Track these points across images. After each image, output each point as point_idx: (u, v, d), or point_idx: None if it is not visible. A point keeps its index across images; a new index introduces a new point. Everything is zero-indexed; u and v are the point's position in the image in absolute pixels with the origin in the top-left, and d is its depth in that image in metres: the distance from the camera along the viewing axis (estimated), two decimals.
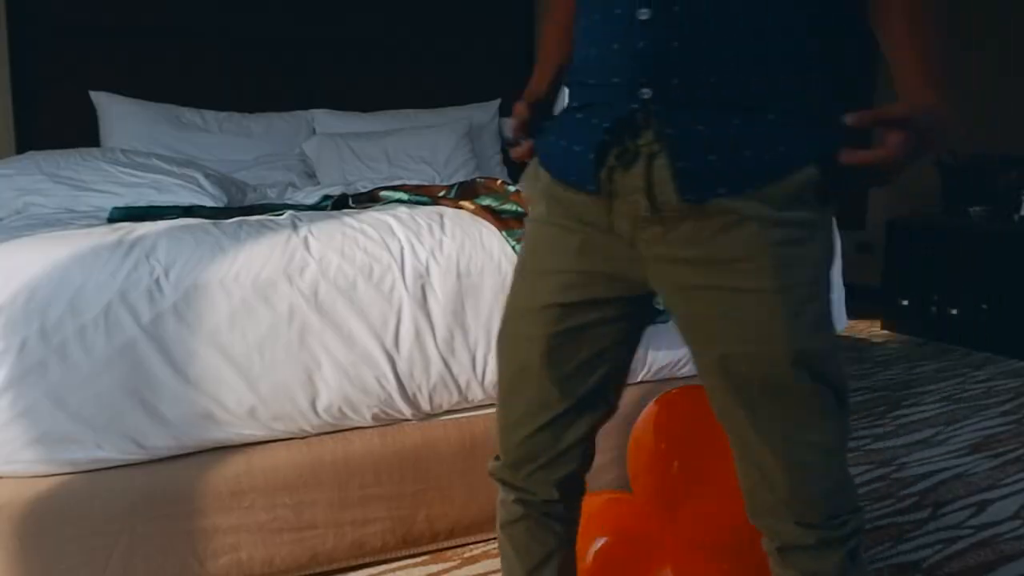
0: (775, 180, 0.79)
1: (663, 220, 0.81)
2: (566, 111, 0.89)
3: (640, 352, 1.79)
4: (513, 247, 1.61)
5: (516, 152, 1.01)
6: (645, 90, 0.79)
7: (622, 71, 0.80)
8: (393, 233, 1.57)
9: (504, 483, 1.03)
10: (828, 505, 0.88)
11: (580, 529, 1.37)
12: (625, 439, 1.71)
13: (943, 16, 0.82)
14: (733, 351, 0.82)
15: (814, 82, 0.83)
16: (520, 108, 0.99)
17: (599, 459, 1.77)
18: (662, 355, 1.82)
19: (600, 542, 1.34)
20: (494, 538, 1.70)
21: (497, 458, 1.04)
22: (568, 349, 0.91)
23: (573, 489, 1.03)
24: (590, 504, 1.43)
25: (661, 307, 1.73)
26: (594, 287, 0.89)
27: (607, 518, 1.40)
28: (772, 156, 0.79)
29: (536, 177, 0.94)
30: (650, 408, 1.39)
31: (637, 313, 0.93)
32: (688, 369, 1.90)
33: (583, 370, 0.93)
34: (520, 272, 0.95)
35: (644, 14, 0.78)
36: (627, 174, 0.81)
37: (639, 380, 1.84)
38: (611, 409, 1.00)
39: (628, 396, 1.80)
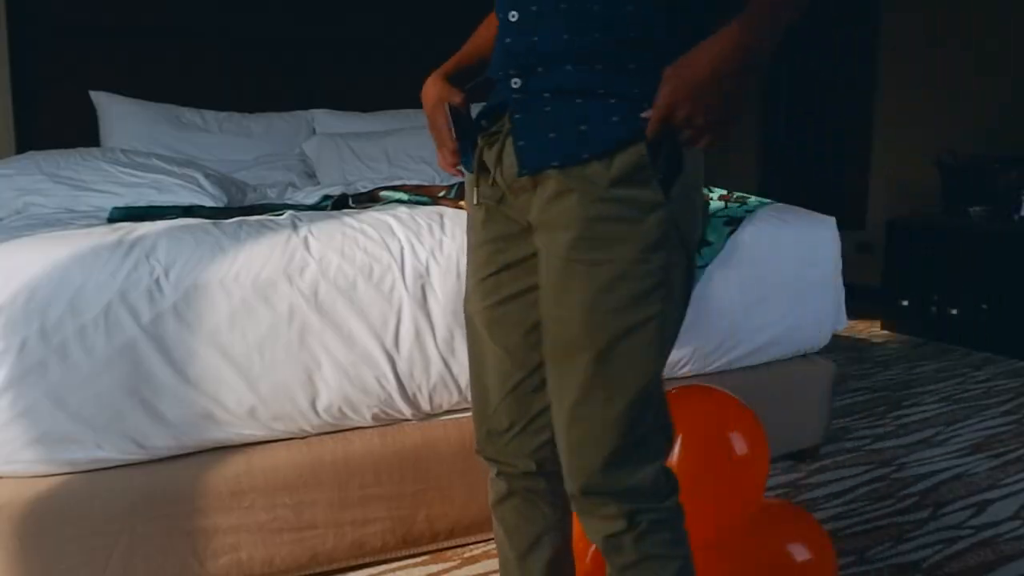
0: (603, 156, 0.84)
1: (516, 191, 0.92)
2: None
3: None
4: None
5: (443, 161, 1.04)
6: (516, 80, 0.89)
7: (502, 65, 0.91)
8: (393, 233, 1.57)
9: (487, 458, 1.06)
10: (605, 477, 0.90)
11: (580, 529, 1.37)
12: None
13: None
14: (547, 313, 0.90)
15: (660, 69, 0.84)
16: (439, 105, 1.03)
17: None
18: None
19: None
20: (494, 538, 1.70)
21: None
22: (511, 318, 0.97)
23: (551, 461, 1.02)
24: None
25: None
26: (505, 252, 0.97)
27: None
28: (602, 132, 0.84)
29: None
30: None
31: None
32: (688, 369, 1.90)
33: (529, 337, 0.97)
34: (467, 253, 1.04)
35: (513, 16, 0.88)
36: (489, 152, 0.94)
37: None
38: None
39: None
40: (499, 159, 0.92)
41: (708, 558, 1.30)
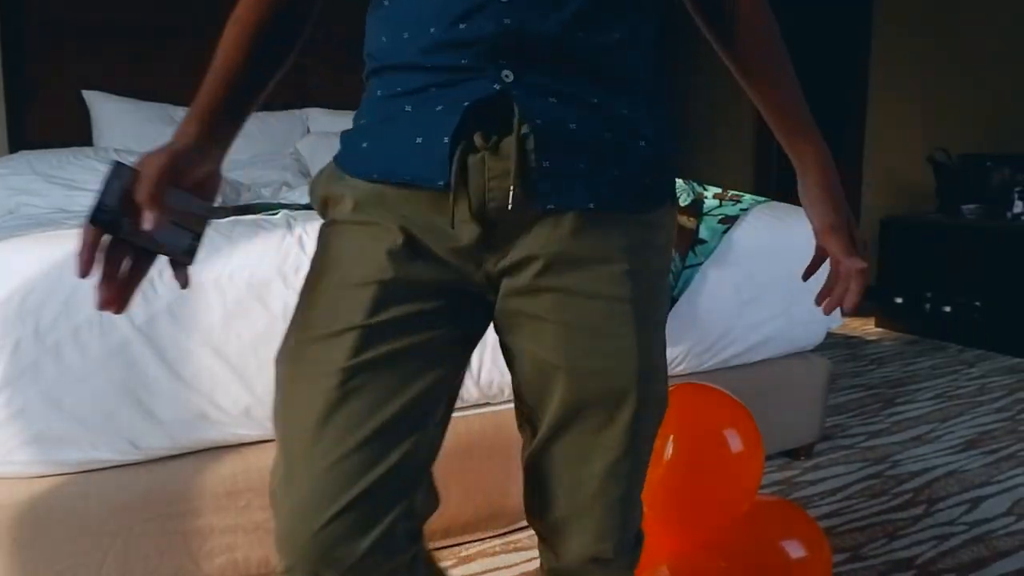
0: (645, 211, 0.77)
1: (515, 222, 0.72)
2: (378, 101, 0.75)
3: None
4: None
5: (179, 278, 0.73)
6: (506, 72, 0.69)
7: (473, 52, 0.68)
8: None
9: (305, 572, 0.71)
10: (631, 533, 0.85)
11: None
12: None
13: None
14: (578, 365, 0.75)
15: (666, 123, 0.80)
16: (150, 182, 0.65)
17: None
18: None
19: None
20: (490, 537, 1.70)
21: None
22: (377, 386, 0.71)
23: (415, 537, 0.79)
24: None
25: None
26: (414, 300, 0.72)
27: None
28: (640, 187, 0.75)
29: (339, 180, 0.77)
30: None
31: (464, 337, 0.78)
32: (683, 368, 1.90)
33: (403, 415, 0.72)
34: (312, 286, 0.75)
35: None
36: (483, 167, 0.69)
37: None
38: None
39: None
40: (500, 178, 0.70)
41: (702, 556, 1.30)
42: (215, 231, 1.48)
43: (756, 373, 2.02)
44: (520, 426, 0.85)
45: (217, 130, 0.74)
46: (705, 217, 1.95)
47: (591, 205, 0.72)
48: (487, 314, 0.79)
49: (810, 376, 2.13)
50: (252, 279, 1.41)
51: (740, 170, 5.49)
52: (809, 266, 0.97)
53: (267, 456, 1.47)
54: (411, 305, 0.72)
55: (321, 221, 0.80)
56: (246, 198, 2.49)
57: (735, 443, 1.31)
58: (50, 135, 2.95)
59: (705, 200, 2.08)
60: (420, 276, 0.72)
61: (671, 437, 1.31)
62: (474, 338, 0.80)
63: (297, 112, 3.36)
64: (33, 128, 3.06)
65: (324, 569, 0.69)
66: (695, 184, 2.21)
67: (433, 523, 1.60)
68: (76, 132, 3.01)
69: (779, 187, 5.17)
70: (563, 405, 0.76)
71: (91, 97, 3.06)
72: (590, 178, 0.72)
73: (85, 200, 2.08)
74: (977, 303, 3.49)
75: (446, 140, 0.68)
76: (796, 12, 5.15)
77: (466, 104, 0.68)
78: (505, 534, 1.72)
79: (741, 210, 2.00)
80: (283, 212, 1.69)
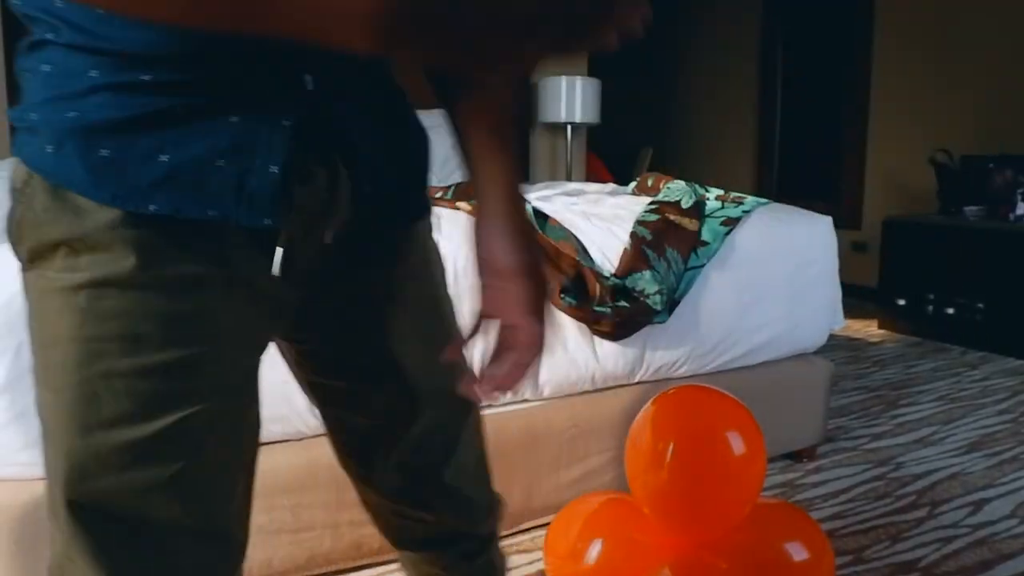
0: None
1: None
2: (137, 120, 0.55)
3: (637, 352, 1.79)
4: None
5: None
6: (308, 78, 0.60)
7: (269, 56, 0.57)
8: None
9: None
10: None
11: (580, 529, 1.37)
12: (622, 440, 1.71)
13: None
14: (419, 353, 0.79)
15: None
16: None
17: (598, 460, 1.77)
18: (659, 355, 1.82)
19: (599, 542, 1.34)
20: None
21: None
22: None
23: None
24: (589, 505, 1.44)
25: (659, 307, 1.73)
26: (201, 376, 0.60)
27: (606, 519, 1.40)
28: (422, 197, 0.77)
29: (75, 216, 0.56)
30: (647, 408, 1.39)
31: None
32: (685, 370, 1.90)
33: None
34: (64, 370, 0.59)
35: None
36: (309, 191, 0.62)
37: (637, 381, 1.84)
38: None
39: (627, 397, 1.81)
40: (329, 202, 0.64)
41: (705, 558, 1.30)
42: None
43: (758, 375, 2.02)
44: None
45: None
46: (707, 219, 1.95)
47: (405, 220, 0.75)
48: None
49: (812, 378, 2.13)
50: None
51: (742, 172, 5.49)
52: (471, 329, 0.73)
53: (268, 458, 1.46)
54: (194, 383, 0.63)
55: None
56: None
57: (738, 445, 1.31)
58: None
59: (707, 202, 2.08)
60: (211, 343, 0.62)
61: (674, 439, 1.31)
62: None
63: None
64: None
65: None
66: (697, 186, 2.21)
67: None
68: None
69: (781, 189, 5.17)
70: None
71: None
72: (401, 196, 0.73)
73: None
74: (980, 305, 3.49)
75: (274, 169, 0.59)
76: (798, 13, 5.16)
77: (286, 127, 0.60)
78: (505, 536, 1.72)
79: (743, 212, 2.00)
80: None
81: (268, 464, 1.46)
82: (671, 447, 1.31)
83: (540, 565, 1.59)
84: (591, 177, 4.36)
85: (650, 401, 1.39)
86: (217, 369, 0.62)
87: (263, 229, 0.59)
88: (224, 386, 0.63)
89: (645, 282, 1.72)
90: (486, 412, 1.74)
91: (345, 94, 0.63)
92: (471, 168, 0.72)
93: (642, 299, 1.71)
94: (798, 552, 1.31)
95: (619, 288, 1.70)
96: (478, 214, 0.71)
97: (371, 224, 0.68)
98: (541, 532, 1.68)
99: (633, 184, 2.55)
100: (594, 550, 1.32)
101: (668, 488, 1.29)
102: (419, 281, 0.77)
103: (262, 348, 0.71)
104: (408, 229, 0.75)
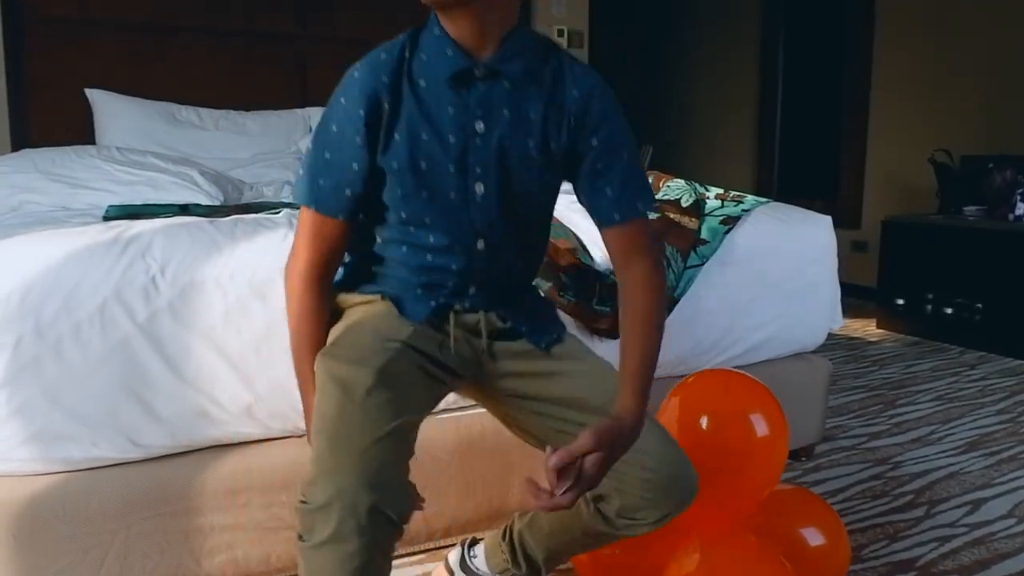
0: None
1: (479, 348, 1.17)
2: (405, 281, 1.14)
3: None
4: None
5: None
6: (472, 288, 1.14)
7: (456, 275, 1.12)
8: None
9: (343, 502, 0.90)
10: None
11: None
12: None
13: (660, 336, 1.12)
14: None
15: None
16: None
17: None
18: (660, 353, 1.82)
19: None
20: None
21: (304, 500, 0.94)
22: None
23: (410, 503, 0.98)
24: None
25: None
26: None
27: None
28: (552, 329, 1.22)
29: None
30: (671, 395, 1.40)
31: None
32: (684, 368, 1.90)
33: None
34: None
35: (480, 245, 1.11)
36: (462, 321, 1.16)
37: None
38: None
39: None
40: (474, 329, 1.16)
41: (737, 536, 1.31)
42: (216, 230, 1.48)
43: (757, 374, 2.00)
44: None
45: None
46: (707, 217, 1.95)
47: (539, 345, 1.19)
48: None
49: (811, 377, 2.13)
50: (254, 278, 1.41)
51: (742, 171, 5.49)
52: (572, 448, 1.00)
53: (267, 455, 1.47)
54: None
55: None
56: (248, 197, 2.50)
57: (762, 427, 1.34)
58: (53, 133, 2.95)
59: (707, 201, 2.08)
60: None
61: (703, 419, 1.34)
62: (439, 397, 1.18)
63: (298, 111, 3.36)
64: (36, 126, 3.06)
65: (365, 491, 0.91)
66: (697, 185, 2.21)
67: (432, 522, 1.60)
68: (79, 130, 3.01)
69: (781, 188, 5.17)
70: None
71: (94, 95, 3.06)
72: (544, 327, 1.21)
73: (87, 198, 2.08)
74: (978, 305, 3.49)
75: (432, 304, 1.13)
76: (798, 13, 5.15)
77: (454, 303, 1.15)
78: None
79: (743, 211, 2.00)
80: (285, 211, 1.69)
81: (267, 460, 1.46)
82: (698, 431, 1.33)
83: None
84: None
85: (673, 389, 1.41)
86: None
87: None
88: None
89: None
90: (485, 410, 1.74)
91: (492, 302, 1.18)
92: (620, 391, 1.10)
93: None
94: (816, 537, 1.36)
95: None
96: (613, 414, 1.05)
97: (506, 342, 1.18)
98: None
99: None
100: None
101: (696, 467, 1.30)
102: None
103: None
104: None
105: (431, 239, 1.09)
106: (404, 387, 1.02)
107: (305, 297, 1.10)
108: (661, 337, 1.11)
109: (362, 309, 1.13)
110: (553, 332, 1.21)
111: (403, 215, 1.09)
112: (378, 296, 1.13)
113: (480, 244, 1.10)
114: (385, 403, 0.96)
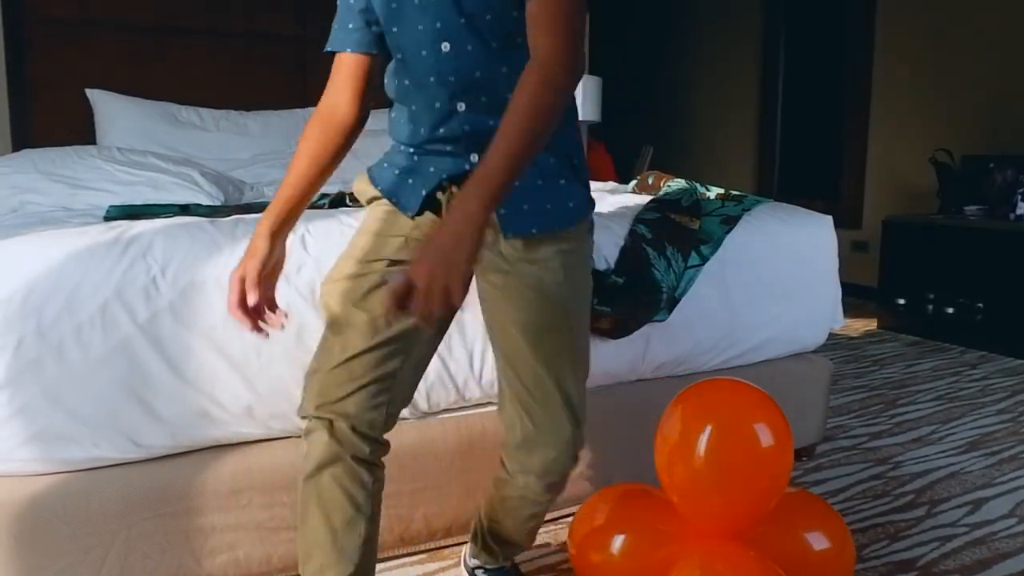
0: (567, 227, 1.17)
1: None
2: (398, 154, 1.22)
3: (640, 350, 1.79)
4: None
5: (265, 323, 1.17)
6: (475, 156, 1.13)
7: (456, 145, 1.13)
8: None
9: (319, 416, 1.09)
10: None
11: (607, 521, 1.38)
12: (634, 432, 1.72)
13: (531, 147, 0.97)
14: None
15: (580, 162, 1.20)
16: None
17: (600, 455, 1.77)
18: (659, 354, 1.82)
19: (627, 534, 1.36)
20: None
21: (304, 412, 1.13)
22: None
23: (382, 429, 1.13)
24: (616, 496, 1.44)
25: (659, 306, 1.73)
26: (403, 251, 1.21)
27: (634, 510, 1.41)
28: (565, 213, 1.17)
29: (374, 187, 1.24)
30: (676, 402, 1.40)
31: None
32: (685, 368, 1.90)
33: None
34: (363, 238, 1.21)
35: (461, 106, 1.11)
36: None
37: (636, 379, 1.84)
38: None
39: (631, 393, 1.81)
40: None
41: (736, 547, 1.31)
42: (217, 230, 1.48)
43: (758, 374, 2.02)
44: None
45: (281, 238, 1.16)
46: (707, 217, 1.95)
47: (533, 231, 1.14)
48: None
49: (812, 377, 2.13)
50: None
51: (742, 171, 5.49)
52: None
53: (268, 455, 1.47)
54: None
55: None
56: (249, 197, 2.50)
57: (766, 437, 1.32)
58: (53, 133, 2.95)
59: (707, 200, 2.08)
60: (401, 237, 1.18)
61: (705, 430, 1.32)
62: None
63: (299, 111, 3.36)
64: (36, 126, 3.06)
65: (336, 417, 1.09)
66: (697, 184, 2.21)
67: (434, 522, 1.61)
68: (79, 130, 3.01)
69: (781, 188, 5.17)
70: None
71: (94, 95, 3.06)
72: (532, 214, 1.13)
73: (88, 198, 2.09)
74: (979, 305, 3.49)
75: (423, 192, 1.16)
76: (799, 12, 5.15)
77: (443, 176, 1.15)
78: None
79: (743, 210, 2.00)
80: None
81: (268, 461, 1.46)
82: (703, 438, 1.31)
83: (557, 557, 1.60)
84: (593, 172, 4.35)
85: (678, 395, 1.40)
86: None
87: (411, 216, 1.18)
88: None
89: (645, 280, 1.72)
90: (486, 410, 1.73)
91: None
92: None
93: (642, 297, 1.71)
94: (821, 541, 1.35)
95: (619, 286, 1.70)
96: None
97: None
98: (551, 527, 1.69)
99: (633, 182, 2.55)
100: (622, 541, 1.34)
101: (697, 480, 1.29)
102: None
103: None
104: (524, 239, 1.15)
105: (406, 81, 1.14)
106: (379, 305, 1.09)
107: (308, 128, 1.19)
108: (529, 149, 0.96)
109: (369, 213, 1.25)
110: (531, 224, 1.13)
111: (394, 54, 1.16)
112: (379, 193, 1.22)
113: (445, 46, 1.09)
114: (365, 324, 1.09)
